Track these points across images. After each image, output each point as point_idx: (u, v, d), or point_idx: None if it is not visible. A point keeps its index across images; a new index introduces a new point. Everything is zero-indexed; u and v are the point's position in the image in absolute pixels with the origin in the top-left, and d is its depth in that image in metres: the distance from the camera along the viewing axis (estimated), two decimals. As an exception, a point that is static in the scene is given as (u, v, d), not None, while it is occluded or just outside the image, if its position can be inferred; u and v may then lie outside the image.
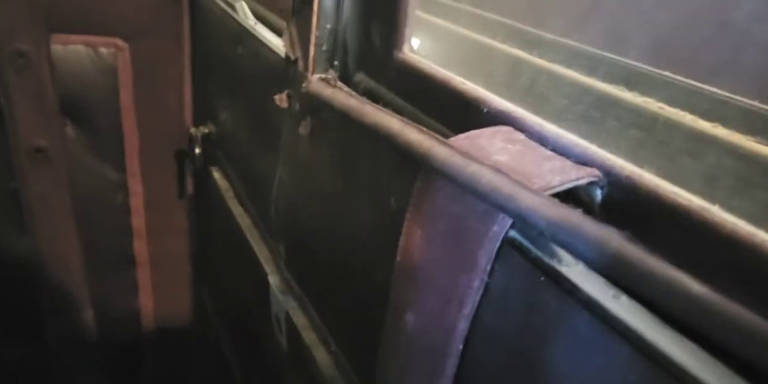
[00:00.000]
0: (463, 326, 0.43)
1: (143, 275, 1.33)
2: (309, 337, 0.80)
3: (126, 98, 1.17)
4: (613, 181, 0.37)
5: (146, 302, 1.35)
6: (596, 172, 0.37)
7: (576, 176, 0.37)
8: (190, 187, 1.28)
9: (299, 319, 0.82)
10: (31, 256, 1.18)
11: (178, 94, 1.19)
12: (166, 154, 1.24)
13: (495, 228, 0.38)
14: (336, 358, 0.75)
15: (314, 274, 0.77)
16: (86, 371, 1.30)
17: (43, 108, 1.11)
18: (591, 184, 0.37)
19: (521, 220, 0.36)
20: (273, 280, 0.89)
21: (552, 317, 0.36)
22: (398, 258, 0.50)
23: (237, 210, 1.01)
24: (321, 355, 0.78)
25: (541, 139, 0.41)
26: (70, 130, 1.16)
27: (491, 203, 0.37)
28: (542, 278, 0.37)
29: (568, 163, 0.38)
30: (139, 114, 1.19)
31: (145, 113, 1.19)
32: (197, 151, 1.12)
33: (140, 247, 1.30)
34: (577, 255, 0.34)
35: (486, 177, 0.37)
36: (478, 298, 0.42)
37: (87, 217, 1.21)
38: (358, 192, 0.60)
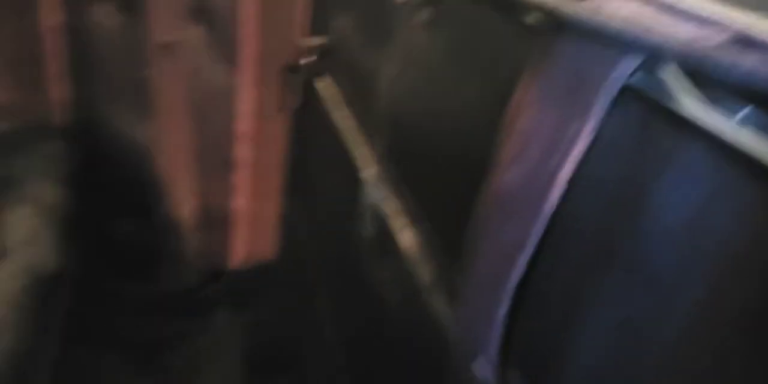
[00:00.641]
0: (566, 171, 0.49)
1: (242, 177, 1.44)
2: (397, 223, 0.88)
3: (249, 8, 1.26)
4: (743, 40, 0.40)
5: (241, 202, 1.47)
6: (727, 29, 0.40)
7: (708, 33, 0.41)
8: (295, 100, 1.37)
9: (389, 207, 0.90)
10: (149, 142, 1.32)
11: (298, 8, 1.27)
12: (278, 64, 1.33)
13: (615, 74, 0.44)
14: (422, 240, 0.83)
15: (413, 160, 0.84)
16: (182, 253, 1.44)
17: (175, 9, 1.22)
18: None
19: (654, 54, 0.40)
20: (368, 173, 0.97)
21: (665, 153, 0.41)
22: (507, 118, 0.56)
23: (341, 113, 1.09)
24: (407, 240, 0.86)
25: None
26: (195, 31, 1.26)
27: (623, 42, 0.42)
28: (658, 121, 0.42)
29: (700, 20, 0.42)
30: (260, 25, 1.27)
31: (265, 25, 1.27)
32: (304, 62, 1.20)
33: (242, 151, 1.41)
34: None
35: (619, 18, 0.42)
36: (587, 143, 0.47)
37: (199, 114, 1.32)
38: (470, 71, 0.66)
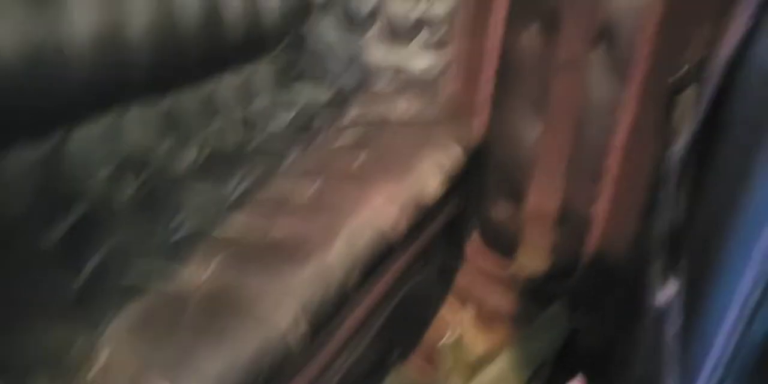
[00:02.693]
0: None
1: (606, 188, 1.59)
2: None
3: (648, 32, 1.43)
4: None
5: (600, 211, 1.61)
6: None
7: None
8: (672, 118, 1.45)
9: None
10: (535, 141, 1.61)
11: (693, 30, 1.36)
12: (663, 83, 1.44)
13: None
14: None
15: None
16: (548, 244, 1.67)
17: (585, 29, 1.49)
18: None
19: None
20: None
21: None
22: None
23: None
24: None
25: None
26: (598, 50, 1.50)
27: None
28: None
29: None
30: (654, 46, 1.43)
31: (660, 46, 1.42)
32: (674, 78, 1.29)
33: (612, 163, 1.56)
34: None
35: None
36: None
37: (584, 123, 1.55)
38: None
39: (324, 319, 1.04)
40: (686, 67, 1.35)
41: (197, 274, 1.03)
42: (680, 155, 0.98)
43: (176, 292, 0.98)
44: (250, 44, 1.78)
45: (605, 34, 1.48)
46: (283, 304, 0.99)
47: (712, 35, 1.13)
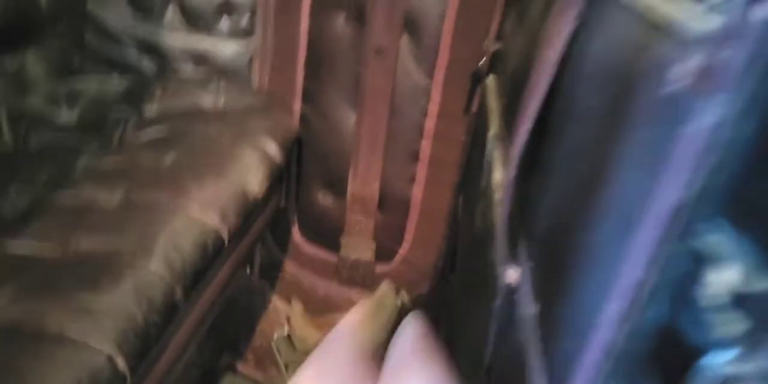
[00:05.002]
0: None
1: (421, 170, 1.66)
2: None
3: (449, 23, 1.50)
4: None
5: (417, 193, 1.68)
6: None
7: None
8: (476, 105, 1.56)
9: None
10: (353, 127, 1.62)
11: (492, 20, 1.47)
12: (465, 72, 1.53)
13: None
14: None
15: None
16: (371, 229, 1.69)
17: (391, 19, 1.52)
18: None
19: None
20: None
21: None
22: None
23: (492, 104, 1.24)
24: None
25: None
26: (404, 39, 1.54)
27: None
28: None
29: None
30: (455, 36, 1.51)
31: (459, 36, 1.50)
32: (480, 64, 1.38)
33: (425, 146, 1.63)
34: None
35: None
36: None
37: (397, 109, 1.59)
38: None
39: (148, 338, 0.94)
40: (484, 58, 1.45)
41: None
42: (499, 143, 1.04)
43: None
44: (16, 29, 1.53)
45: (409, 24, 1.52)
46: (101, 327, 0.87)
47: (511, 29, 1.22)
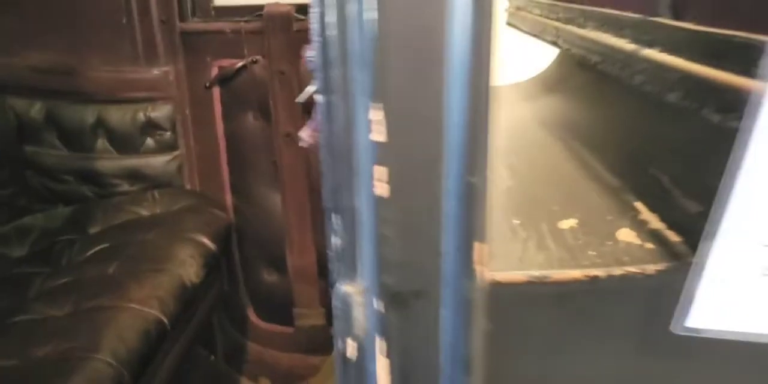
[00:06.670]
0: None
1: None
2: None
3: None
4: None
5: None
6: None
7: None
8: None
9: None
10: (280, 207, 1.78)
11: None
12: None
13: None
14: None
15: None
16: (317, 296, 1.80)
17: (292, 109, 1.73)
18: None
19: None
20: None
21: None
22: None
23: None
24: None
25: None
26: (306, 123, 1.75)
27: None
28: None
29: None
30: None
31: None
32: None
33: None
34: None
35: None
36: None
37: (315, 183, 1.76)
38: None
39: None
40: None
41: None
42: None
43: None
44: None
45: (307, 109, 1.73)
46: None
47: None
